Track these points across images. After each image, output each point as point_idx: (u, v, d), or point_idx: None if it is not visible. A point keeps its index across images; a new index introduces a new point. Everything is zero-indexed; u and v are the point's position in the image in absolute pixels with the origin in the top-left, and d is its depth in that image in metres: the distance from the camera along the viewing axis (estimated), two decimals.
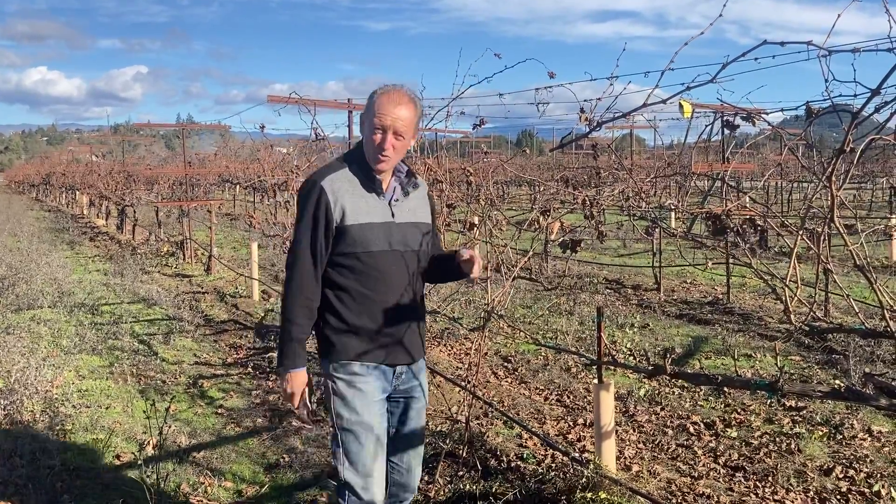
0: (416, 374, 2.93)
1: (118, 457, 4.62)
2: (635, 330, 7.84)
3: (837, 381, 5.89)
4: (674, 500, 4.03)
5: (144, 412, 5.45)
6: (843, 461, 4.51)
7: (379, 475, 2.83)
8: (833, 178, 2.36)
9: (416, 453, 3.01)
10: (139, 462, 4.06)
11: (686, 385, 5.89)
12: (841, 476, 4.31)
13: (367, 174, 2.72)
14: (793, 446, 4.73)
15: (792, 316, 3.34)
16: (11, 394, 5.28)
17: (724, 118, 3.60)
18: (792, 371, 6.21)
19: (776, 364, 3.15)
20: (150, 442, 4.68)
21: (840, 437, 4.88)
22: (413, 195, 2.86)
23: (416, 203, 2.88)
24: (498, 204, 8.15)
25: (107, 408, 5.52)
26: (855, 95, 2.52)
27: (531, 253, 4.96)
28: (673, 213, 13.97)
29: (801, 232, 3.42)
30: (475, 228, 6.22)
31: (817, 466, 4.45)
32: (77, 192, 28.25)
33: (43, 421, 5.05)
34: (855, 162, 2.43)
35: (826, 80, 2.25)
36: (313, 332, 2.80)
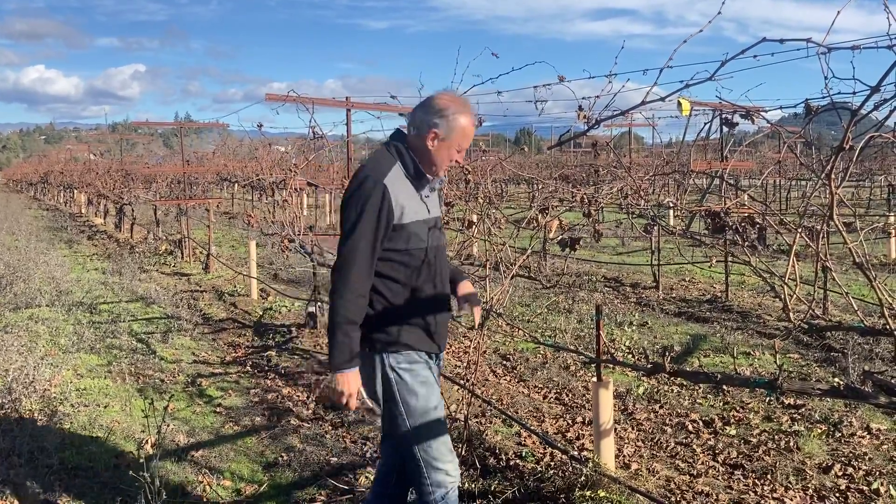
0: (441, 359, 3.09)
1: (117, 456, 4.61)
2: (634, 328, 7.84)
3: (836, 379, 5.90)
4: (673, 499, 4.03)
5: (143, 411, 5.43)
6: (842, 459, 4.51)
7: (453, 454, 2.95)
8: (833, 176, 2.35)
9: None
10: (138, 461, 4.05)
11: (685, 383, 5.89)
12: (840, 474, 4.32)
13: (418, 173, 2.85)
14: (791, 444, 4.73)
15: (791, 314, 3.34)
16: (9, 392, 5.27)
17: (724, 116, 3.59)
18: (791, 369, 6.21)
19: (775, 362, 3.15)
20: (149, 441, 4.67)
21: (839, 434, 4.88)
22: (437, 191, 3.03)
23: (437, 198, 3.05)
24: (497, 202, 8.15)
25: (105, 407, 5.51)
26: (854, 93, 2.52)
27: (529, 251, 4.96)
28: (671, 212, 13.98)
29: (800, 230, 3.41)
30: (473, 226, 6.22)
31: (816, 464, 4.45)
32: (75, 191, 28.22)
33: (41, 420, 5.04)
34: (854, 160, 2.42)
35: (826, 78, 2.25)
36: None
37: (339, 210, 3.02)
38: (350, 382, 2.72)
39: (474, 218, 7.17)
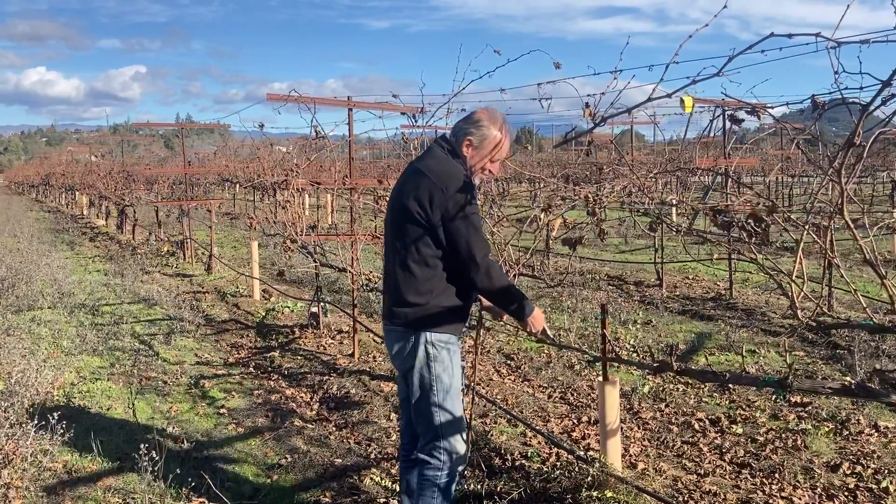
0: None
1: (119, 458, 4.59)
2: (638, 326, 7.81)
3: (843, 377, 5.86)
4: (680, 498, 4.00)
5: (146, 413, 5.43)
6: (850, 457, 4.48)
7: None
8: (842, 172, 2.32)
9: None
10: (140, 464, 4.02)
11: (690, 381, 5.86)
12: (848, 472, 4.28)
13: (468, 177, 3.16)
14: (799, 442, 4.70)
15: (798, 311, 3.31)
16: (12, 395, 5.25)
17: (729, 112, 3.56)
18: (797, 367, 6.18)
19: (786, 361, 3.12)
20: (152, 443, 4.64)
21: (846, 432, 4.85)
22: None
23: None
24: (499, 201, 8.11)
25: (108, 409, 5.49)
26: (861, 88, 2.48)
27: (532, 249, 4.93)
28: (674, 209, 13.93)
29: (806, 226, 3.38)
30: None
31: (824, 463, 4.42)
32: (77, 193, 28.20)
33: (44, 423, 5.02)
34: (864, 155, 2.39)
35: (836, 73, 2.21)
36: (412, 303, 3.11)
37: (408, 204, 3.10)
38: (541, 318, 3.35)
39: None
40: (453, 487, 3.25)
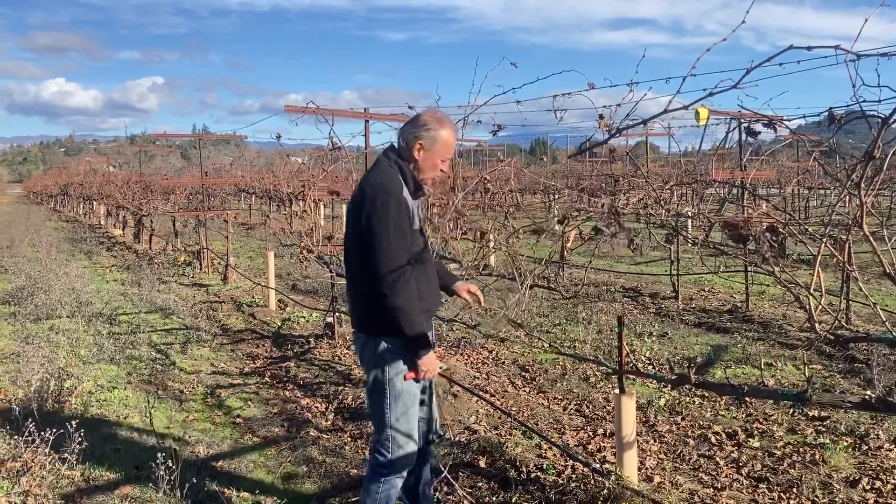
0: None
1: (136, 467, 4.61)
2: (654, 339, 7.77)
3: (862, 391, 5.81)
4: None
5: (162, 422, 5.46)
6: (870, 472, 4.43)
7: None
8: (862, 185, 2.31)
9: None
10: (157, 473, 4.05)
11: (706, 394, 5.83)
12: (868, 488, 4.24)
13: (416, 184, 3.31)
14: (817, 457, 4.66)
15: (816, 325, 3.29)
16: (31, 403, 5.29)
17: (746, 124, 3.56)
18: (814, 380, 6.12)
19: (802, 373, 3.10)
20: (168, 452, 4.67)
21: (865, 447, 4.80)
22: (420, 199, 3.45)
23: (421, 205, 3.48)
24: (513, 213, 8.12)
25: (125, 418, 5.53)
26: (879, 101, 2.48)
27: (547, 260, 4.93)
28: (690, 221, 13.89)
29: (825, 239, 3.37)
30: (485, 237, 6.19)
31: (843, 478, 4.37)
32: (94, 203, 28.47)
33: (62, 431, 5.06)
34: (883, 168, 2.38)
35: (854, 86, 2.21)
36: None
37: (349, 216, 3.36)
38: (431, 363, 3.30)
39: (489, 227, 7.14)
40: (396, 484, 3.42)
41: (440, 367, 3.43)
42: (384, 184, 3.17)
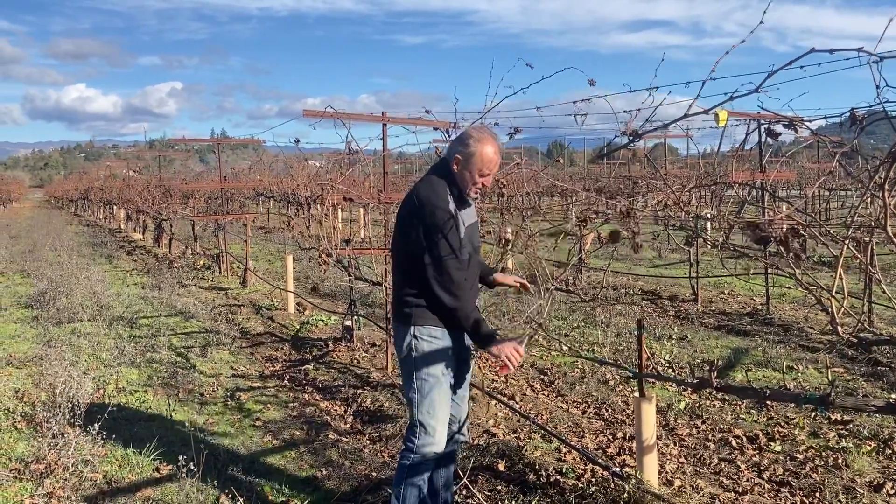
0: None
1: (157, 469, 4.65)
2: (673, 342, 7.73)
3: (885, 395, 5.74)
4: None
5: (183, 425, 5.50)
6: (894, 477, 4.38)
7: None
8: (886, 186, 2.29)
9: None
10: (179, 475, 4.08)
11: (727, 398, 5.79)
12: (892, 492, 4.19)
13: (461, 195, 3.51)
14: (840, 461, 4.61)
15: (838, 327, 3.26)
16: (54, 406, 5.35)
17: (767, 126, 3.53)
18: (837, 384, 6.07)
19: (826, 376, 3.08)
20: (189, 455, 4.70)
21: (889, 451, 4.74)
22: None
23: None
24: (532, 216, 8.11)
25: (146, 420, 5.58)
26: None
27: (568, 263, 4.92)
28: (709, 223, 13.80)
29: (847, 241, 3.33)
30: (509, 243, 6.19)
31: (866, 482, 4.33)
32: (114, 207, 28.73)
33: (85, 434, 5.11)
34: None
35: (878, 87, 2.19)
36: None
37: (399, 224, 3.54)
38: (509, 350, 3.38)
39: (509, 231, 7.14)
40: (423, 474, 3.50)
41: (521, 352, 3.46)
42: (430, 197, 3.41)
